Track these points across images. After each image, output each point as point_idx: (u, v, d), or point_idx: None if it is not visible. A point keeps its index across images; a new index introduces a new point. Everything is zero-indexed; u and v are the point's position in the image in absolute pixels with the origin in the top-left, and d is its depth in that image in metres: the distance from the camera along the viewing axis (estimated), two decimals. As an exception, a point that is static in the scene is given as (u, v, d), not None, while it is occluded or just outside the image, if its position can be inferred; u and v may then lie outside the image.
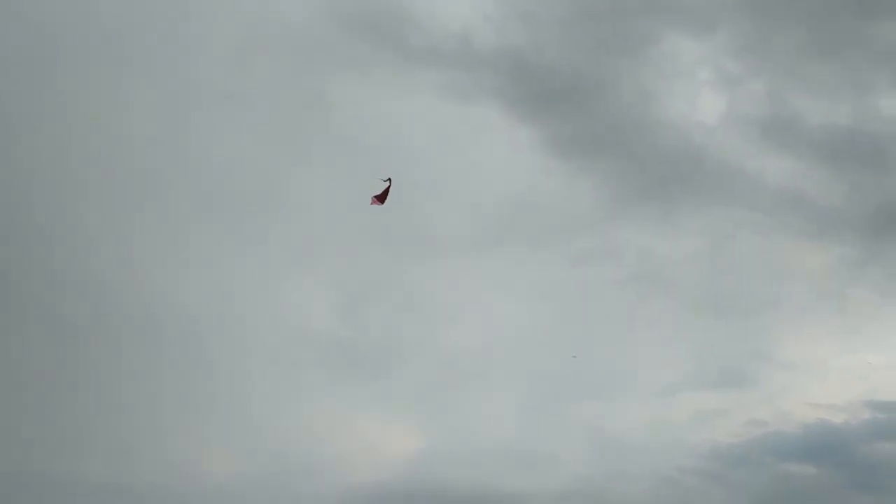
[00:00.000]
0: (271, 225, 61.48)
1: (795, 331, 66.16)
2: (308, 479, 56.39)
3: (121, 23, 63.19)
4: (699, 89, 71.94)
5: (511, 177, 68.13)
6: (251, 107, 64.37)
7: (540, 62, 69.63)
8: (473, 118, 68.36)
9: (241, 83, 64.96)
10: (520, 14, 69.65)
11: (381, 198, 33.07)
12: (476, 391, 61.77)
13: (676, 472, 59.89)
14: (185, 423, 56.25)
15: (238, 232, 61.49)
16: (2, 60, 59.08)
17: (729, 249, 69.40)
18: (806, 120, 70.05)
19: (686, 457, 60.24)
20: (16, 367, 54.56)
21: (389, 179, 33.81)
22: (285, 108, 65.62)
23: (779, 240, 69.08)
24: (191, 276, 60.10)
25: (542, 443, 59.76)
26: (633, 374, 64.06)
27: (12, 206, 58.57)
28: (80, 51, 61.49)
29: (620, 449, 59.89)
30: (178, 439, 55.67)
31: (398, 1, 67.84)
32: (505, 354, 63.13)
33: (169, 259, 59.99)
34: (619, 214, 69.04)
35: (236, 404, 57.19)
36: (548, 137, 69.70)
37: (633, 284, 66.58)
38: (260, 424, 57.32)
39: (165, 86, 63.02)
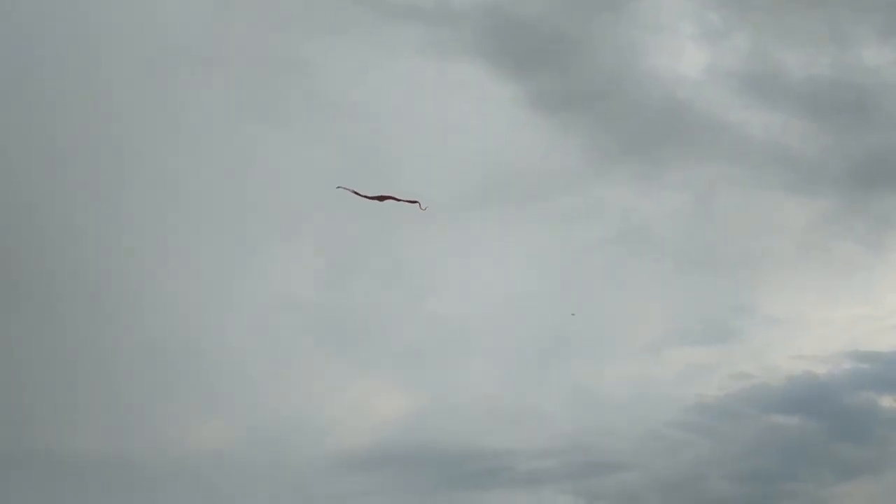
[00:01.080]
0: (250, 193, 60.63)
1: (779, 284, 66.73)
2: (299, 444, 56.68)
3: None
4: (682, 43, 71.25)
5: (493, 135, 67.47)
6: (223, 70, 63.04)
7: (521, 17, 68.58)
8: (454, 76, 67.39)
9: (213, 46, 63.38)
10: (500, -31, 68.22)
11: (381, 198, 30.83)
12: (462, 352, 61.97)
13: (662, 426, 60.61)
14: (177, 395, 56.19)
15: (217, 201, 60.59)
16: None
17: (712, 204, 69.52)
18: (789, 72, 69.68)
19: (672, 411, 60.92)
20: (6, 343, 53.99)
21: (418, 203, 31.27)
22: (259, 70, 64.43)
23: (762, 194, 69.19)
24: (171, 248, 59.41)
25: (528, 401, 60.27)
26: (619, 331, 64.47)
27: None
28: (46, 15, 59.67)
29: (606, 405, 60.45)
30: (171, 411, 55.58)
31: (375, -43, 66.12)
32: (490, 315, 63.22)
33: (147, 233, 59.16)
34: (603, 171, 68.74)
35: (226, 375, 57.13)
36: (530, 94, 68.97)
37: (618, 242, 66.52)
38: (250, 393, 57.32)
39: (136, 51, 61.42)
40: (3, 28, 59.24)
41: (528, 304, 63.64)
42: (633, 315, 64.51)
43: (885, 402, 61.03)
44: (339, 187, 30.80)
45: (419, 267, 63.62)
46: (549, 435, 59.12)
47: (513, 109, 67.55)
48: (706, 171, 69.03)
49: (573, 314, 56.30)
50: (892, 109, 68.27)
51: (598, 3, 69.19)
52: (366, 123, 66.08)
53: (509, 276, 64.45)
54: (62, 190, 58.76)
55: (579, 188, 67.91)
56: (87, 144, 59.74)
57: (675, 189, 68.80)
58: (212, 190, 61.09)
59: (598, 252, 65.52)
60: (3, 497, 48.66)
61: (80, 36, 59.87)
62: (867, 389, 61.82)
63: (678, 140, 70.08)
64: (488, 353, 62.35)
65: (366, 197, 31.16)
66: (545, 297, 63.46)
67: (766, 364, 63.34)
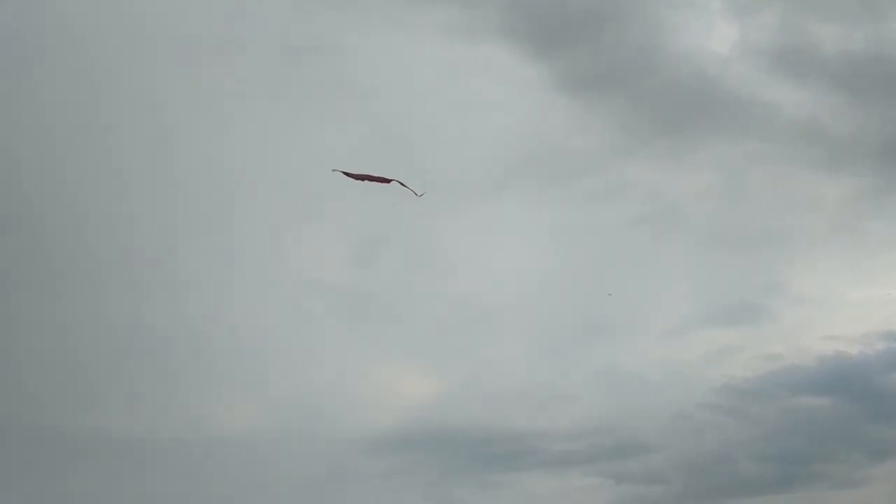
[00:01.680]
0: (277, 177, 60.89)
1: (810, 264, 65.66)
2: (329, 425, 57.35)
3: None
4: (711, 18, 69.98)
5: (519, 116, 67.04)
6: (246, 55, 63.16)
7: (546, -4, 67.80)
8: (479, 57, 66.89)
9: (235, 29, 63.58)
10: (523, -53, 67.50)
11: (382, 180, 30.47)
12: (489, 334, 62.04)
13: (691, 408, 60.31)
14: (207, 378, 57.02)
15: (244, 185, 60.93)
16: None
17: (742, 183, 68.62)
18: (821, 47, 68.09)
19: (701, 393, 60.54)
20: (28, 320, 55.07)
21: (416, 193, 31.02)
22: (283, 54, 64.43)
23: (793, 172, 68.02)
24: (203, 233, 60.05)
25: (555, 383, 60.28)
26: (647, 312, 63.96)
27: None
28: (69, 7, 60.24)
29: (634, 387, 60.28)
30: (196, 392, 56.43)
31: (398, -62, 65.72)
32: (517, 296, 63.13)
33: (179, 218, 59.87)
34: (631, 151, 68.10)
35: (256, 357, 57.67)
36: (555, 74, 68.27)
37: (645, 222, 66.01)
38: (280, 376, 58.05)
39: (159, 38, 61.80)
40: (26, 18, 59.94)
41: (555, 286, 63.59)
42: (660, 296, 64.19)
43: (920, 382, 60.23)
44: (334, 170, 30.38)
45: (446, 249, 63.73)
46: (577, 417, 59.34)
47: (538, 90, 67.17)
48: (736, 149, 68.24)
49: (609, 294, 56.08)
50: (928, 84, 66.78)
51: (625, -21, 68.26)
52: (391, 106, 66.06)
53: (536, 258, 64.34)
54: (97, 178, 59.69)
55: (606, 168, 67.42)
56: (116, 132, 60.39)
57: (705, 168, 68.12)
58: (239, 175, 61.52)
59: (625, 233, 65.16)
60: (40, 476, 49.77)
61: (111, 24, 60.52)
62: (899, 370, 61.06)
63: (707, 118, 69.14)
64: (515, 335, 62.48)
65: (361, 178, 30.75)
66: (572, 279, 63.37)
67: (796, 345, 62.78)
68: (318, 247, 61.63)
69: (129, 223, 59.11)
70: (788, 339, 62.95)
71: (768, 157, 68.01)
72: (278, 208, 61.28)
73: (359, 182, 31.34)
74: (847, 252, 65.79)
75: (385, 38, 65.78)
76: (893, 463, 57.50)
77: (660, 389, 59.98)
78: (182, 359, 56.60)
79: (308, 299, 60.55)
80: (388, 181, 30.89)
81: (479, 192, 65.58)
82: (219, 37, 62.20)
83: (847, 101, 67.86)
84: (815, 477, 58.60)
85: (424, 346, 61.06)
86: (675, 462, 58.83)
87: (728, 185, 68.45)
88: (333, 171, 30.45)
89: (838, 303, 65.15)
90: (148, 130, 61.19)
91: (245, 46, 63.46)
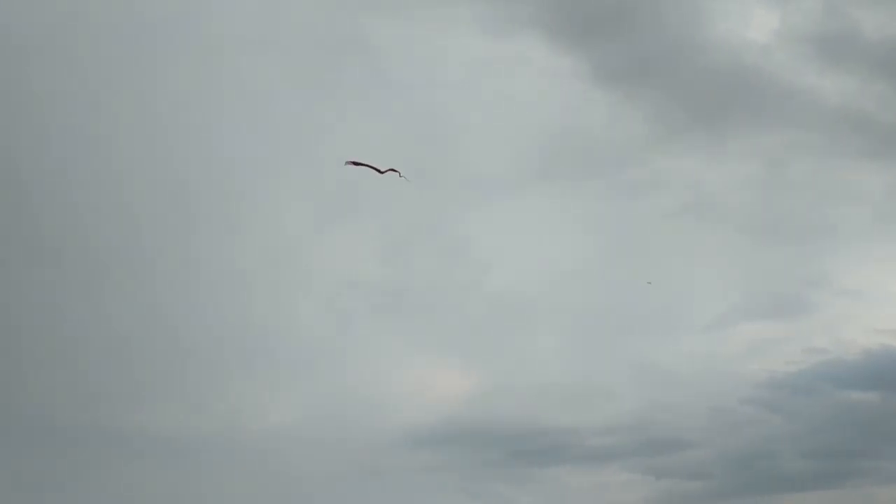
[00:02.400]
0: (313, 173, 61.28)
1: (854, 255, 64.25)
2: (366, 421, 57.56)
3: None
4: (749, 5, 68.71)
5: (554, 109, 66.80)
6: (284, 51, 63.76)
7: (580, -13, 67.17)
8: (512, 50, 66.76)
9: (270, 27, 64.15)
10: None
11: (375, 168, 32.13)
12: (524, 330, 61.87)
13: (733, 402, 59.38)
14: (245, 375, 57.77)
15: (281, 182, 61.55)
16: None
17: (783, 173, 67.37)
18: (864, 33, 66.41)
19: (741, 387, 59.59)
20: (81, 323, 56.23)
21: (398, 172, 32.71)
22: (319, 50, 64.85)
23: (836, 161, 66.68)
24: (240, 230, 60.92)
25: (591, 378, 59.69)
26: (685, 305, 63.33)
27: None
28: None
29: (672, 382, 59.46)
30: (240, 390, 57.24)
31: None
32: (552, 291, 62.85)
33: (216, 215, 60.67)
34: (668, 142, 67.19)
35: (293, 354, 58.38)
36: (590, 65, 67.71)
37: (683, 214, 65.29)
38: (317, 372, 58.61)
39: (200, 36, 62.58)
40: (77, 17, 61.06)
41: (591, 280, 63.17)
42: (699, 289, 63.31)
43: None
44: (347, 163, 31.24)
45: (480, 245, 63.71)
46: (615, 412, 58.75)
47: (573, 82, 66.67)
48: (777, 138, 67.07)
49: (649, 282, 55.31)
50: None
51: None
52: (426, 101, 66.27)
53: (571, 252, 63.92)
54: (134, 182, 60.78)
55: (643, 160, 66.76)
56: (156, 131, 61.45)
57: (744, 158, 67.10)
58: (275, 173, 62.18)
59: (663, 225, 64.52)
60: (77, 473, 50.83)
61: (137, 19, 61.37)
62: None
63: (747, 107, 67.97)
64: (551, 330, 62.17)
65: (364, 166, 32.04)
66: (608, 273, 62.85)
67: (840, 338, 61.37)
68: (353, 245, 62.07)
69: (179, 223, 60.40)
70: (832, 333, 61.72)
71: (810, 146, 66.78)
72: (315, 205, 61.93)
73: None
74: (892, 243, 64.30)
75: (419, 33, 66.02)
76: (943, 459, 56.20)
77: (698, 384, 59.17)
78: (222, 358, 57.51)
79: (344, 297, 61.19)
80: (383, 172, 32.40)
81: (514, 186, 65.44)
82: (254, 34, 63.22)
83: (891, 87, 66.45)
84: (860, 473, 57.45)
85: (459, 342, 61.22)
86: (716, 457, 58.14)
87: (768, 175, 67.38)
88: (346, 163, 31.69)
89: (883, 295, 63.89)
90: (187, 129, 62.06)
91: (280, 44, 64.25)
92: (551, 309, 62.35)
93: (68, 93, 59.78)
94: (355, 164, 31.79)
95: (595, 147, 66.75)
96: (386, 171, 32.01)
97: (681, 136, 67.31)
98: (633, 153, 66.71)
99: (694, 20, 67.91)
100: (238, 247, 60.55)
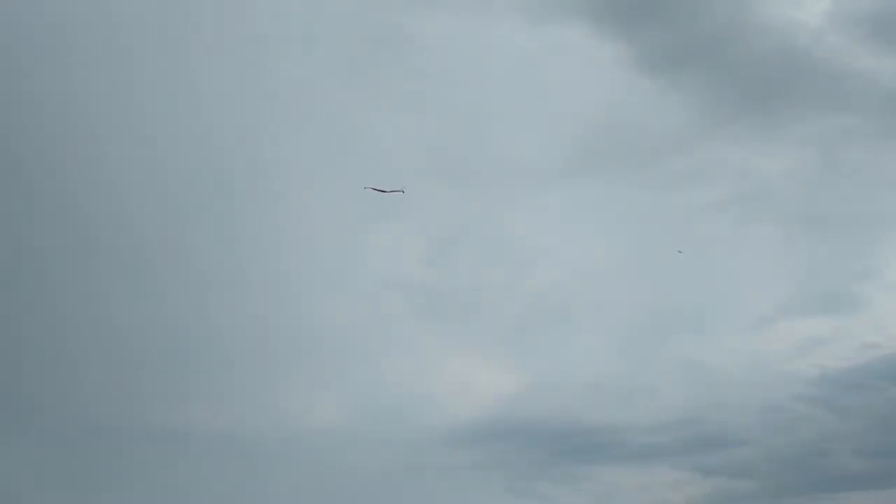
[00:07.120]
0: (354, 171, 60.83)
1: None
2: (409, 420, 57.96)
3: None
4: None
5: (597, 98, 65.35)
6: (326, 49, 63.30)
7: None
8: (555, 39, 65.63)
9: (309, 21, 63.57)
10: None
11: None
12: (567, 327, 61.31)
13: (783, 399, 58.29)
14: (289, 374, 58.23)
15: (322, 180, 61.38)
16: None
17: (836, 162, 65.17)
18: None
19: (793, 385, 58.50)
20: (125, 322, 56.80)
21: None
22: (359, 44, 64.21)
23: (890, 147, 64.57)
24: (281, 230, 61.13)
25: (635, 376, 59.13)
26: (733, 301, 61.92)
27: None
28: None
29: (719, 380, 58.54)
30: (284, 389, 57.71)
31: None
32: (595, 288, 62.10)
33: (258, 215, 60.87)
34: (715, 130, 65.63)
35: (337, 353, 58.80)
36: (634, 53, 66.15)
37: (731, 206, 63.85)
38: (360, 371, 58.87)
39: (240, 33, 62.49)
40: (123, 16, 61.05)
41: (635, 275, 62.06)
42: (748, 284, 61.87)
43: None
44: (366, 188, 34.57)
45: (522, 242, 63.12)
46: (661, 410, 57.97)
47: (616, 70, 65.24)
48: (830, 125, 64.71)
49: (680, 251, 53.83)
50: None
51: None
52: (467, 92, 65.37)
53: (615, 247, 62.95)
54: (179, 182, 61.11)
55: (689, 150, 65.18)
56: (202, 130, 61.52)
57: (795, 146, 64.97)
58: (317, 172, 61.96)
59: (710, 217, 63.14)
60: (123, 470, 51.67)
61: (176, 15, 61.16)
62: None
63: (797, 93, 65.83)
64: (594, 327, 61.39)
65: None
66: (653, 268, 61.56)
67: (894, 333, 59.71)
68: (395, 245, 61.93)
69: (224, 224, 60.94)
70: (885, 328, 60.00)
71: (864, 132, 64.57)
72: (357, 203, 61.40)
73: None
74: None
75: (460, 23, 65.27)
76: None
77: (746, 381, 58.16)
78: (270, 357, 58.05)
79: (386, 297, 61.24)
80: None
81: (557, 178, 64.45)
82: (293, 29, 62.95)
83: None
84: (917, 472, 56.05)
85: (502, 341, 60.88)
86: (765, 456, 57.18)
87: (820, 163, 65.33)
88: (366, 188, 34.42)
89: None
90: (231, 130, 62.25)
91: (319, 38, 63.76)
92: (595, 305, 61.72)
93: (112, 93, 60.27)
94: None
95: (639, 137, 65.65)
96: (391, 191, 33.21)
97: (729, 123, 65.81)
98: (679, 142, 65.48)
99: (741, 3, 66.09)
100: (281, 247, 60.90)
